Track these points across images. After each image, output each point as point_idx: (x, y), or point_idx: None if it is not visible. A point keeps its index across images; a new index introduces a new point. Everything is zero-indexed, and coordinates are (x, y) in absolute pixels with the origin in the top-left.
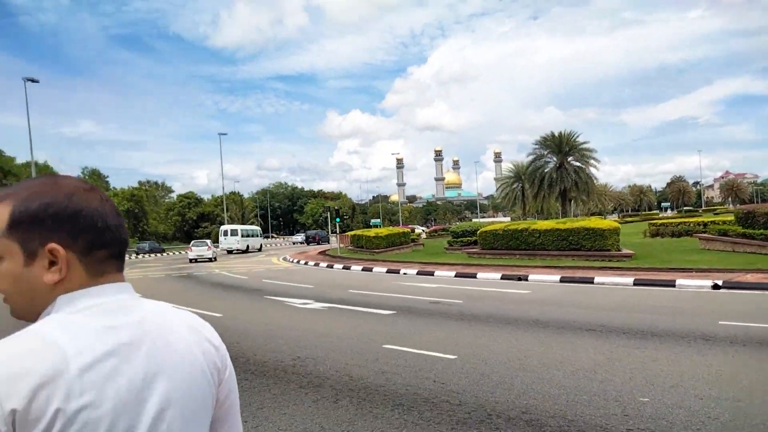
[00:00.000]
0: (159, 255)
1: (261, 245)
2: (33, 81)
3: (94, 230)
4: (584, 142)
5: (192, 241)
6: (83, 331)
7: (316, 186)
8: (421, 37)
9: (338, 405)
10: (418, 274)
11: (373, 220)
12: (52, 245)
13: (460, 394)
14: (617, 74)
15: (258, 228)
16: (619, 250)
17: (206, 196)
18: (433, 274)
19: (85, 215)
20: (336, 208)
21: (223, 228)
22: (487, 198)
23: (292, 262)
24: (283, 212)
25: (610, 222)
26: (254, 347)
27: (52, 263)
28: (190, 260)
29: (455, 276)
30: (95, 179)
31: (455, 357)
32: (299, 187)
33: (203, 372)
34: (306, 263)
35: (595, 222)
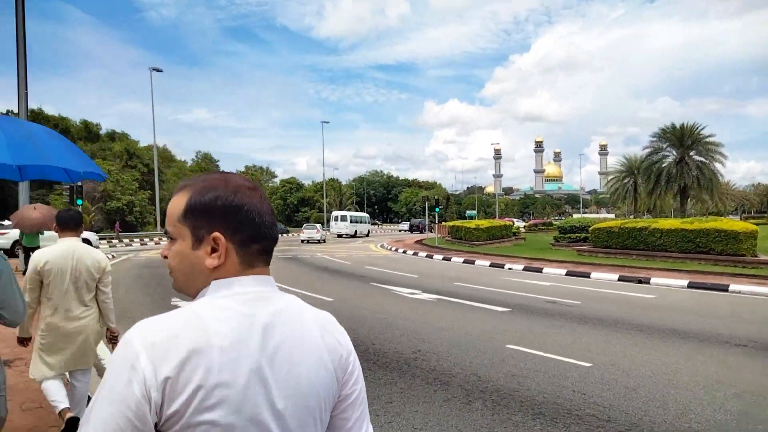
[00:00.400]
0: (282, 236)
1: (369, 231)
2: (157, 70)
3: (252, 225)
4: (709, 135)
5: (304, 225)
6: (228, 315)
7: (411, 175)
8: (525, 23)
9: (471, 407)
10: (524, 269)
11: (468, 212)
12: (216, 234)
13: (607, 408)
14: (744, 61)
15: (366, 215)
16: (755, 256)
17: (306, 182)
18: (541, 271)
19: (247, 211)
20: (435, 197)
21: (334, 213)
22: (589, 192)
23: (390, 249)
24: (378, 200)
25: (745, 223)
26: (371, 336)
27: (213, 250)
28: (302, 241)
29: (566, 274)
30: (207, 163)
31: (590, 365)
32: (394, 175)
33: (327, 368)
34: (404, 252)
35: (727, 223)
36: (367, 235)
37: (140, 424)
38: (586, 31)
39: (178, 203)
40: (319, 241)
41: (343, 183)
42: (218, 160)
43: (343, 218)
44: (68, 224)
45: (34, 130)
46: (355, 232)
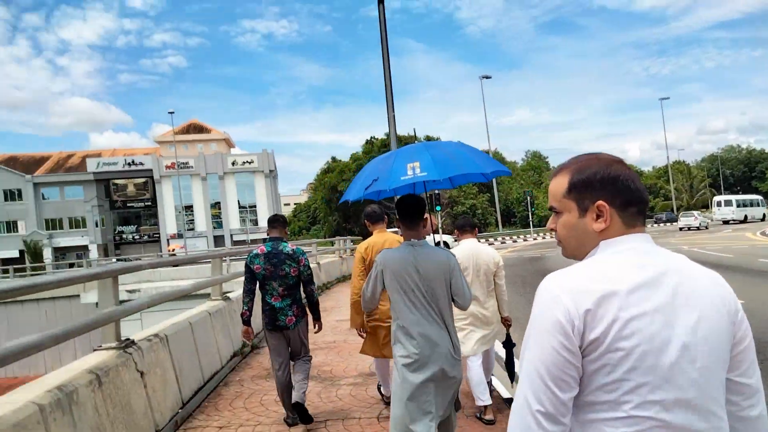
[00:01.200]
0: (670, 224)
1: (764, 215)
2: (486, 77)
3: (628, 191)
4: None
5: (681, 213)
6: (622, 267)
7: None
8: None
9: None
10: None
11: None
12: (600, 202)
13: None
14: None
15: (759, 197)
16: None
17: (645, 169)
18: None
19: (622, 180)
20: None
21: (716, 198)
22: None
23: None
24: (737, 180)
25: None
26: None
27: (598, 216)
28: (680, 228)
29: None
30: (537, 160)
31: None
32: (757, 149)
33: (720, 312)
34: None
35: None
36: (763, 220)
37: (569, 344)
38: None
39: (560, 183)
40: (698, 228)
41: (691, 164)
42: (547, 156)
43: (728, 203)
44: (465, 228)
45: (448, 146)
46: (745, 216)
